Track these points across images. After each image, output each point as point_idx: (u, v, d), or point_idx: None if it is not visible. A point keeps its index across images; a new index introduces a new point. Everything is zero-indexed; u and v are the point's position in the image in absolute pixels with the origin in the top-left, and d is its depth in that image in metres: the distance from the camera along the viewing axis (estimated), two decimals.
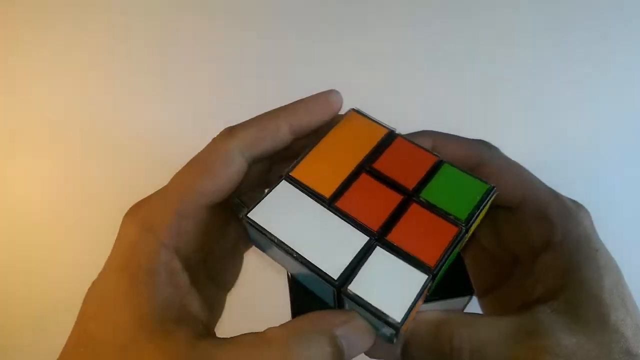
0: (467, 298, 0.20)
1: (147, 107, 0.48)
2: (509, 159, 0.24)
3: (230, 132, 0.22)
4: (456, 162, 0.22)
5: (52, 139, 0.47)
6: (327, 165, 0.22)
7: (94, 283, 0.21)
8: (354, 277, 0.19)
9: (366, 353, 0.21)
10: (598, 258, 0.21)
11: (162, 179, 0.23)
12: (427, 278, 0.19)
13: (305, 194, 0.21)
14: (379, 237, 0.20)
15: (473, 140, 0.25)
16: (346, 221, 0.21)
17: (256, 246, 0.23)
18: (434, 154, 0.23)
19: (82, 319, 0.20)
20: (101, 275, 0.20)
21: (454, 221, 0.21)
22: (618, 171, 0.43)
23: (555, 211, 0.23)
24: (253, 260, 0.28)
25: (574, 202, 0.24)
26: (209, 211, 0.22)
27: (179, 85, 0.48)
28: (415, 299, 0.19)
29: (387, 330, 0.19)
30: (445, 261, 0.20)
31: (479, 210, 0.21)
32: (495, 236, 0.26)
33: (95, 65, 0.50)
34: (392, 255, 0.20)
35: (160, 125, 0.45)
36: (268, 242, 0.21)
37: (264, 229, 0.20)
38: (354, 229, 0.20)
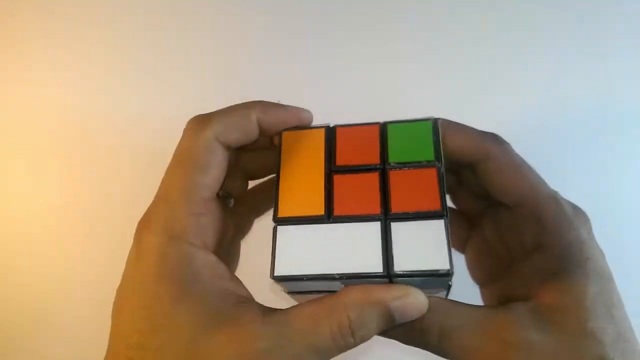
0: (447, 282, 0.22)
1: (147, 103, 0.46)
2: (517, 157, 0.25)
3: (202, 120, 0.23)
4: (464, 153, 0.24)
5: (52, 137, 0.45)
6: (300, 190, 0.23)
7: (122, 298, 0.21)
8: (393, 259, 0.21)
9: None
10: (587, 265, 0.22)
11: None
12: (445, 220, 0.21)
13: (303, 224, 0.22)
14: (386, 216, 0.22)
15: (484, 132, 0.25)
16: (352, 222, 0.22)
17: (294, 294, 0.23)
18: (373, 123, 0.25)
19: (126, 341, 0.20)
20: (134, 288, 0.21)
21: (429, 165, 0.23)
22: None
23: (551, 215, 0.23)
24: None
25: (575, 207, 0.24)
26: (214, 203, 0.23)
27: (181, 81, 0.47)
28: (448, 242, 0.21)
29: (442, 282, 0.21)
30: (445, 198, 0.22)
31: (439, 144, 0.23)
32: (497, 231, 0.27)
33: (96, 60, 0.48)
34: (406, 222, 0.22)
35: (164, 122, 0.43)
36: (306, 283, 0.22)
37: (297, 275, 0.21)
38: (363, 223, 0.22)
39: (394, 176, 0.23)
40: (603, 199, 0.34)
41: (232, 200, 0.28)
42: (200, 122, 0.23)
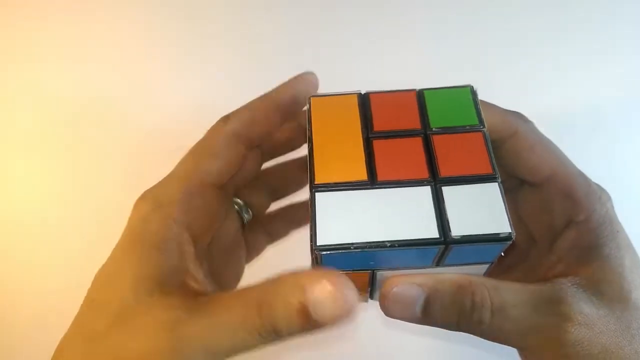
0: (500, 250, 0.20)
1: (153, 98, 0.45)
2: (543, 135, 0.24)
3: (224, 119, 0.24)
4: (491, 130, 0.22)
5: (52, 138, 0.44)
6: (338, 156, 0.21)
7: (106, 261, 0.21)
8: (448, 224, 0.19)
9: (386, 313, 0.21)
10: (619, 239, 0.22)
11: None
12: (498, 183, 0.20)
13: (345, 190, 0.20)
14: (435, 180, 0.20)
15: (510, 111, 0.25)
16: (399, 187, 0.20)
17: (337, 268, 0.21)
18: (410, 90, 0.23)
19: (89, 290, 0.21)
20: (112, 252, 0.21)
21: (473, 129, 0.22)
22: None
23: (582, 191, 0.23)
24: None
25: (598, 185, 0.24)
26: (213, 192, 0.23)
27: (191, 74, 0.46)
28: (505, 205, 0.19)
29: (495, 251, 0.20)
30: (495, 162, 0.21)
31: (480, 109, 0.22)
32: (517, 212, 0.26)
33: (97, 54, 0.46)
34: (458, 186, 0.20)
35: (169, 116, 0.44)
36: (351, 256, 0.19)
37: (343, 244, 0.19)
38: (411, 188, 0.20)
39: (438, 141, 0.21)
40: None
41: (249, 214, 0.28)
42: (222, 120, 0.24)
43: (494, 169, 0.20)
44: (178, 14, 0.47)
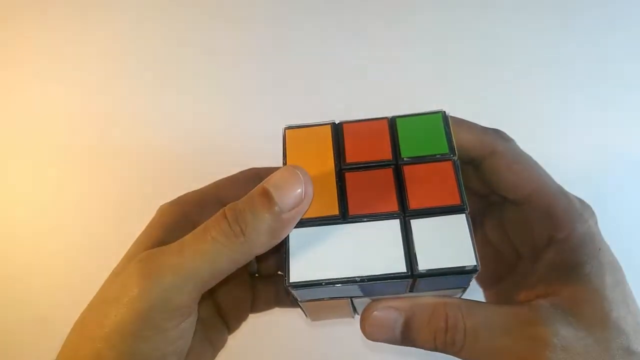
0: (469, 280, 0.21)
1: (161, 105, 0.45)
2: (522, 153, 0.24)
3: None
4: (469, 149, 0.23)
5: (56, 139, 0.45)
6: None
7: None
8: (416, 258, 0.20)
9: (368, 336, 0.22)
10: (601, 256, 0.22)
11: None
12: (466, 214, 0.20)
13: (318, 225, 0.21)
14: (405, 212, 0.21)
15: (488, 129, 0.25)
16: (369, 221, 0.21)
17: (306, 302, 0.22)
18: (382, 118, 0.24)
19: None
20: None
21: (444, 157, 0.22)
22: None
23: (562, 208, 0.23)
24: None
25: (581, 200, 0.24)
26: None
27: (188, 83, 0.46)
28: (471, 237, 0.20)
29: (464, 280, 0.20)
30: (464, 192, 0.21)
31: (451, 136, 0.23)
32: (501, 230, 0.26)
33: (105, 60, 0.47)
34: (426, 219, 0.21)
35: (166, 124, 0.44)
36: (324, 289, 0.20)
37: (314, 281, 0.20)
38: (381, 221, 0.21)
39: (409, 171, 0.22)
40: (603, 197, 0.35)
41: (254, 268, 0.28)
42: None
43: (462, 199, 0.21)
44: (182, 24, 0.48)
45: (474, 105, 0.38)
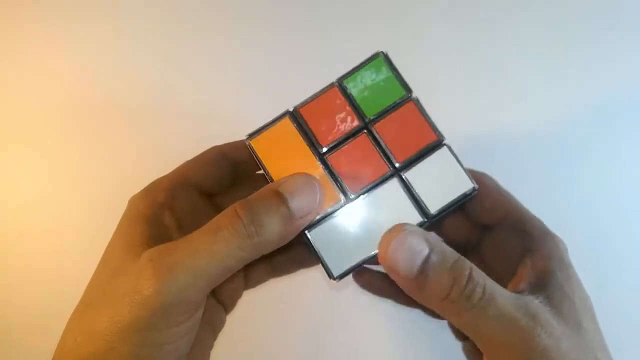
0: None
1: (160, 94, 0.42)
2: (502, 187, 0.26)
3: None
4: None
5: (52, 134, 0.43)
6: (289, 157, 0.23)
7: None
8: (424, 204, 0.22)
9: (385, 255, 0.21)
10: (571, 271, 0.23)
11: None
12: (446, 145, 0.22)
13: (328, 219, 0.23)
14: (397, 170, 0.23)
15: (475, 172, 0.25)
16: (370, 191, 0.23)
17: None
18: (330, 86, 0.23)
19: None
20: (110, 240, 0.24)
21: (403, 101, 0.23)
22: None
23: (535, 226, 0.24)
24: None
25: (554, 234, 0.25)
26: (198, 194, 0.26)
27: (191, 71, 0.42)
28: (460, 164, 0.22)
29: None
30: (435, 125, 0.23)
31: (399, 73, 0.23)
32: (493, 253, 0.27)
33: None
34: (417, 166, 0.23)
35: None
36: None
37: (352, 266, 0.22)
38: (380, 187, 0.23)
39: (380, 128, 0.23)
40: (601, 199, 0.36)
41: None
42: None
43: (437, 133, 0.22)
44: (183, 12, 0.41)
45: (474, 104, 0.37)
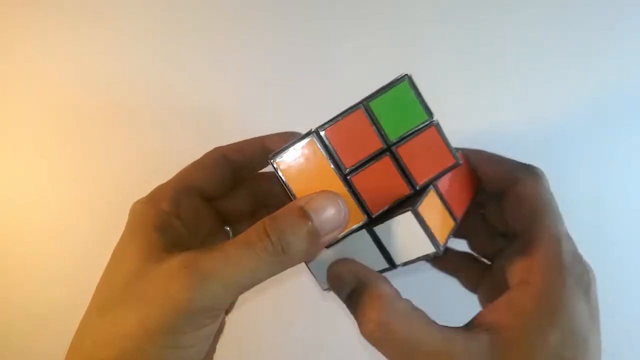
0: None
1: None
2: (547, 195, 0.25)
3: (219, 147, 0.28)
4: (493, 183, 0.26)
5: (52, 135, 0.43)
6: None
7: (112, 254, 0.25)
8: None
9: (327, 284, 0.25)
10: (556, 320, 0.21)
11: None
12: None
13: (349, 236, 0.24)
14: (415, 190, 0.24)
15: (519, 164, 0.26)
16: (390, 217, 0.24)
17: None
18: (355, 107, 0.24)
19: (102, 275, 0.24)
20: (117, 244, 0.24)
21: (425, 125, 0.24)
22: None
23: (543, 255, 0.23)
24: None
25: (577, 257, 0.23)
26: (201, 199, 0.27)
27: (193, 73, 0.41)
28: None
29: None
30: (453, 147, 0.24)
31: (422, 98, 0.23)
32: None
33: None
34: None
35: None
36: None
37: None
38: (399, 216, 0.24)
39: (403, 151, 0.24)
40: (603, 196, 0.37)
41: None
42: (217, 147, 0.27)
43: (454, 156, 0.24)
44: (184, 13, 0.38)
45: (474, 104, 0.37)
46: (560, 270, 0.22)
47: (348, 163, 0.24)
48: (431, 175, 0.24)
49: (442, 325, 0.22)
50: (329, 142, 0.24)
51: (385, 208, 0.24)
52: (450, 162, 0.24)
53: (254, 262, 0.21)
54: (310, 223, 0.22)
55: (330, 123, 0.24)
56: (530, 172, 0.26)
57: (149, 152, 0.39)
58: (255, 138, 0.28)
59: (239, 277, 0.21)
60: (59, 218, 0.41)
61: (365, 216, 0.24)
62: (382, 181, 0.24)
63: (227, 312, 0.28)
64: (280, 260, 0.21)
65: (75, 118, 0.39)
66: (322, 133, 0.24)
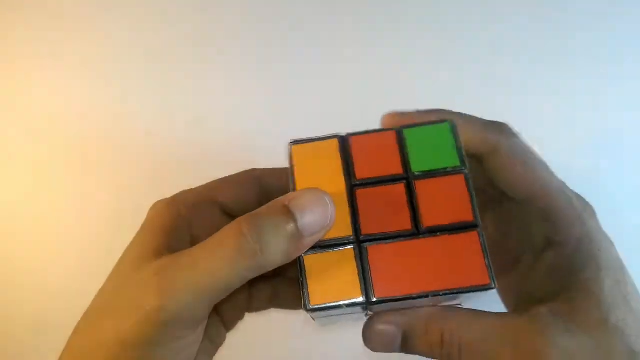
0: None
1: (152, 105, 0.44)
2: (526, 149, 0.24)
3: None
4: (469, 145, 0.23)
5: (54, 138, 0.45)
6: None
7: None
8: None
9: (370, 349, 0.23)
10: (599, 258, 0.21)
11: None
12: (479, 231, 0.21)
13: (331, 247, 0.21)
14: (419, 231, 0.21)
15: (492, 123, 0.24)
16: (382, 242, 0.21)
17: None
18: (389, 129, 0.23)
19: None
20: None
21: (455, 171, 0.22)
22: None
23: (560, 212, 0.23)
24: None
25: (579, 197, 0.24)
26: (222, 215, 0.25)
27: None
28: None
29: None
30: (476, 207, 0.21)
31: (461, 147, 0.22)
32: (501, 224, 0.26)
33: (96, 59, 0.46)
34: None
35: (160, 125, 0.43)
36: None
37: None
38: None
39: (421, 186, 0.22)
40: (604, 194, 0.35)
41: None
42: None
43: (475, 215, 0.21)
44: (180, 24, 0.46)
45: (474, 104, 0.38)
46: (579, 219, 0.22)
47: (360, 174, 0.22)
48: (440, 223, 0.21)
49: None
50: (351, 149, 0.23)
51: (377, 234, 0.21)
52: (467, 217, 0.21)
53: (225, 265, 0.19)
54: (292, 224, 0.19)
55: (358, 133, 0.23)
56: (507, 135, 0.24)
57: (150, 166, 0.40)
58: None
59: (209, 284, 0.19)
60: (60, 219, 0.42)
61: (353, 232, 0.21)
62: (385, 206, 0.21)
63: (228, 329, 0.26)
64: (257, 261, 0.19)
65: (74, 135, 0.43)
66: (347, 138, 0.23)
